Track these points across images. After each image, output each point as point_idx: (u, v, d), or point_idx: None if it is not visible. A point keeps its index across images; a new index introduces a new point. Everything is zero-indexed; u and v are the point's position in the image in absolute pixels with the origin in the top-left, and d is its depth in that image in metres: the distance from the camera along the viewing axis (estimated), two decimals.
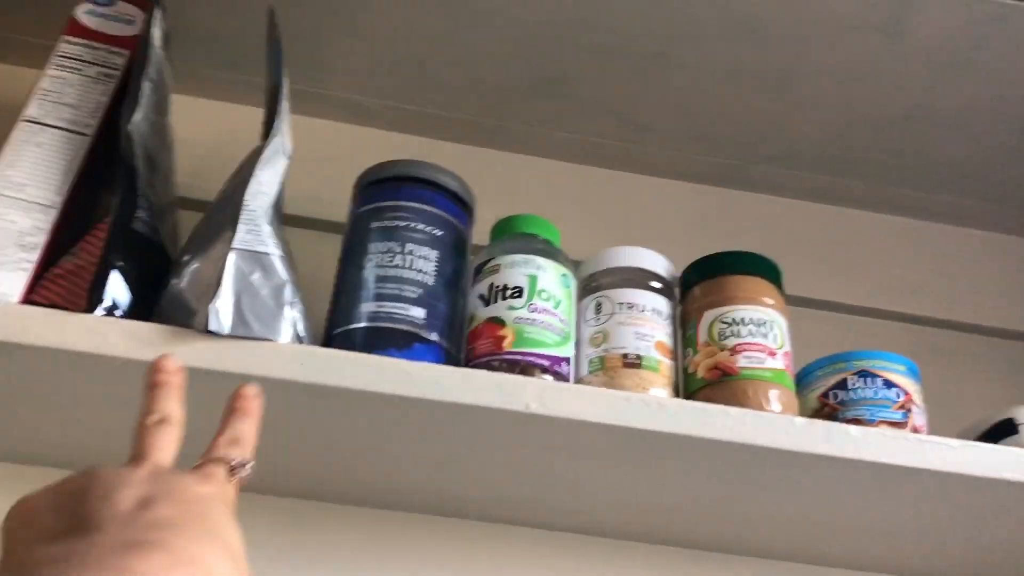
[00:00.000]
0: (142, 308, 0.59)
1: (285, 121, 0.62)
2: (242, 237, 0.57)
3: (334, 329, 0.62)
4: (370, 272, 0.64)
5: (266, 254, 0.58)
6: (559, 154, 0.94)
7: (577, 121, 0.91)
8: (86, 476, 0.37)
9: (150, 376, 0.43)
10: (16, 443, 0.67)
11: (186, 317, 0.57)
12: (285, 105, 0.61)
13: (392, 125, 0.91)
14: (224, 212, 0.59)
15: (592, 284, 0.69)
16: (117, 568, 0.30)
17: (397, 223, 0.65)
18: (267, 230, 0.59)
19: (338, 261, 0.68)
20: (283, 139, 0.61)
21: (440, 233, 0.66)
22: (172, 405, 0.42)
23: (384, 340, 0.61)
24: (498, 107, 0.89)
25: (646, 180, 0.96)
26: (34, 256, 0.58)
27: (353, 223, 0.68)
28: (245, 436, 0.43)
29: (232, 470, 0.41)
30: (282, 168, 0.62)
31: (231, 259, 0.56)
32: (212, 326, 0.54)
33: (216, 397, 0.45)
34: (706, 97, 0.87)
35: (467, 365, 0.62)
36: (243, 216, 0.57)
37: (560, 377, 0.62)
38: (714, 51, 0.82)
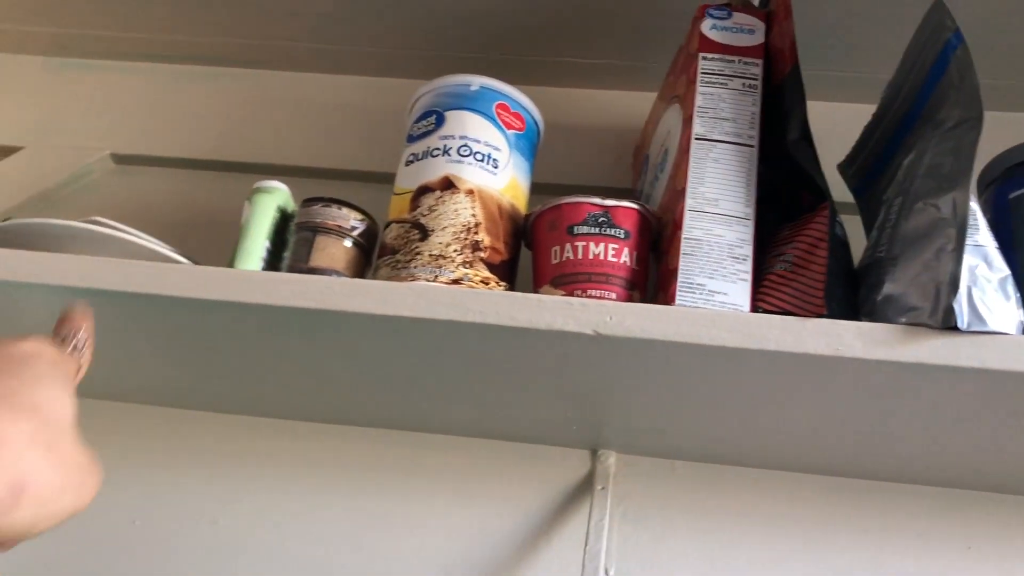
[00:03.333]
0: (846, 307, 0.61)
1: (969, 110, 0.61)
2: (976, 228, 0.57)
3: None
4: None
5: (984, 246, 0.58)
6: None
7: None
8: None
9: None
10: (702, 442, 0.72)
11: (902, 314, 0.58)
12: (975, 94, 0.60)
13: None
14: (933, 206, 0.59)
15: None
16: None
17: None
18: (983, 223, 0.59)
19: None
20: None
21: None
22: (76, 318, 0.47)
23: None
24: None
25: None
26: (747, 266, 0.61)
27: (1002, 207, 0.66)
28: (72, 318, 0.47)
29: (60, 337, 0.45)
30: None
31: (971, 257, 0.56)
32: (956, 322, 0.55)
33: (935, 393, 0.46)
34: None
35: None
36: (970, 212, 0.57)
37: None
38: None
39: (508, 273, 0.67)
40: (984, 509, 0.73)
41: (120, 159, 0.96)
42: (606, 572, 0.71)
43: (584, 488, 0.75)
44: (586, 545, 0.68)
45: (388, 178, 0.74)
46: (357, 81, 0.97)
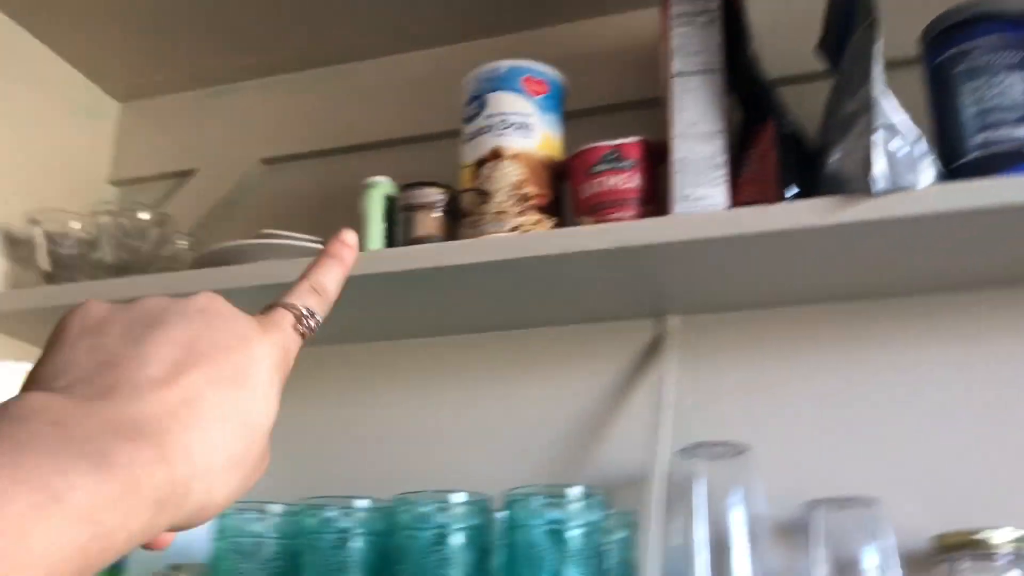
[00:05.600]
0: (803, 188, 0.80)
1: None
2: (881, 111, 0.74)
3: (950, 164, 0.78)
4: (971, 107, 0.77)
5: (894, 123, 0.75)
6: None
7: None
8: (145, 303, 0.36)
9: (329, 245, 0.44)
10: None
11: (842, 187, 0.76)
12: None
13: None
14: (853, 98, 0.77)
15: None
16: (99, 454, 0.29)
17: (987, 59, 0.78)
18: (893, 103, 0.75)
19: (930, 104, 0.82)
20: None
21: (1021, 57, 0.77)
22: (330, 278, 0.42)
23: (1001, 163, 0.75)
24: None
25: None
26: (723, 172, 0.81)
27: (936, 69, 0.82)
28: (327, 287, 0.42)
29: (299, 319, 0.39)
30: None
31: (879, 135, 0.74)
32: (879, 186, 0.73)
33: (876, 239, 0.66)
34: None
35: None
36: (882, 97, 0.74)
37: None
38: None
39: (557, 208, 0.90)
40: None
41: (267, 161, 1.24)
42: (677, 408, 0.95)
43: (654, 348, 0.98)
44: (661, 388, 0.93)
45: None
46: (416, 56, 1.19)
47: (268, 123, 1.25)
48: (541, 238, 0.83)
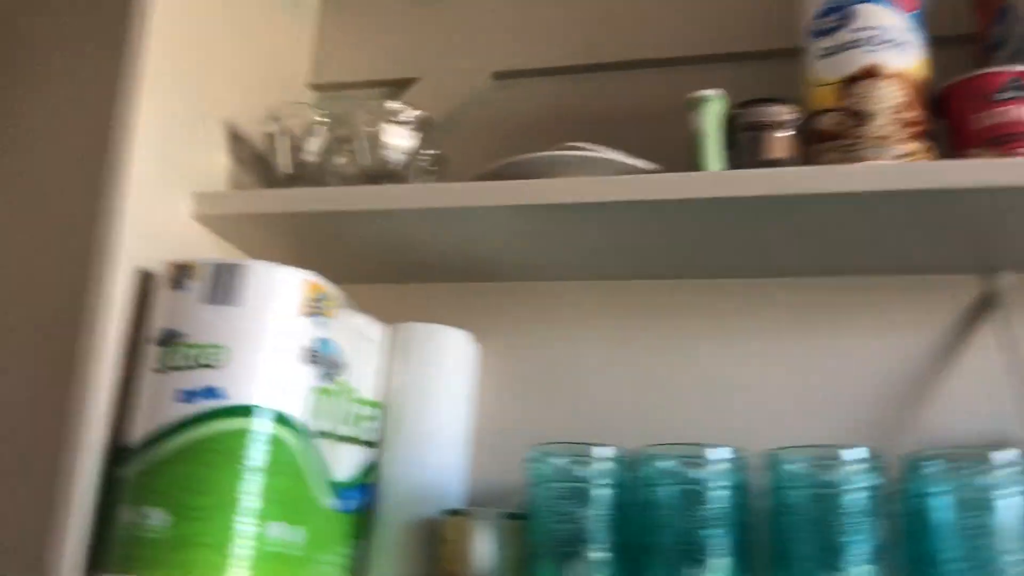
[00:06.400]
0: None
1: None
2: None
3: None
4: None
5: None
6: None
7: None
8: None
9: None
10: None
11: None
12: None
13: None
14: None
15: None
16: None
17: None
18: None
19: None
20: None
21: None
22: None
23: None
24: None
25: None
26: None
27: None
28: None
29: None
30: None
31: None
32: None
33: None
34: None
35: None
36: None
37: None
38: None
39: (931, 140, 0.80)
40: None
41: (499, 75, 1.12)
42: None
43: (984, 307, 0.89)
44: (1018, 351, 0.83)
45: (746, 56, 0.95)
46: None
47: (501, 33, 1.13)
48: (944, 167, 0.73)
